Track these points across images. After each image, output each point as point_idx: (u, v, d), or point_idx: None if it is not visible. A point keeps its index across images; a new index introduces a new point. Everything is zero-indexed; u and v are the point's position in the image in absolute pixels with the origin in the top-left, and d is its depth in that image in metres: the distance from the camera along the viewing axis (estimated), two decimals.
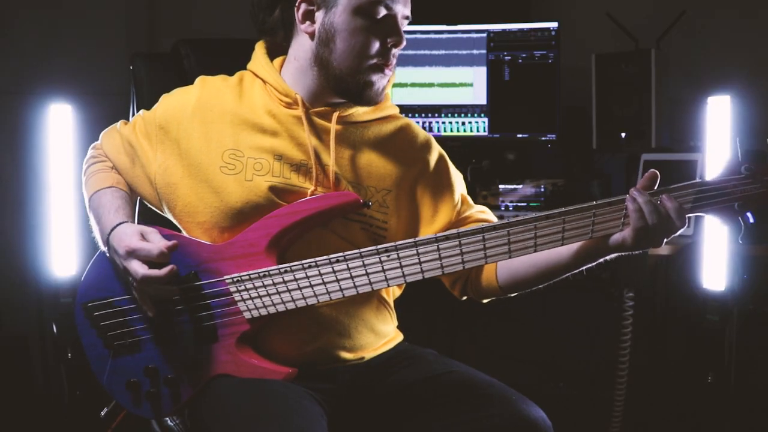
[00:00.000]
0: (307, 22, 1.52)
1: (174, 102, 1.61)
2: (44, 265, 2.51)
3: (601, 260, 1.47)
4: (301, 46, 1.55)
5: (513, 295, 1.58)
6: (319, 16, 1.51)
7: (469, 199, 1.68)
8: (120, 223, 1.52)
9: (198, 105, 1.58)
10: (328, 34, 1.50)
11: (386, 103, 1.63)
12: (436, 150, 1.65)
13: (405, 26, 1.54)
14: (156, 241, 1.48)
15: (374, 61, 1.50)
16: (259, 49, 1.63)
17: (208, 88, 1.61)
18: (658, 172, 1.40)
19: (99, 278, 1.57)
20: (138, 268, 1.45)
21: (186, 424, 1.59)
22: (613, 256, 1.46)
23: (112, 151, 1.64)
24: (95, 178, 1.62)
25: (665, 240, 1.40)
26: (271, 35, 1.62)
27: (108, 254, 1.54)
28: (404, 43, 1.53)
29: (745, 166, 1.34)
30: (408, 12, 1.53)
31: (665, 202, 1.37)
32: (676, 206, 1.37)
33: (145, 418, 1.61)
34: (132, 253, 1.46)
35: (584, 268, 1.49)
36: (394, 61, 1.54)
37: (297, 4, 1.53)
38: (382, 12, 1.48)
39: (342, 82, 1.52)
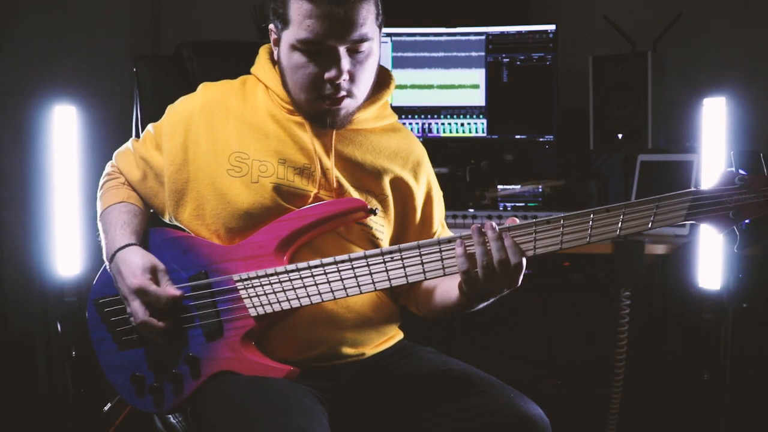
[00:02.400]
0: (276, 48, 1.55)
1: (179, 110, 1.63)
2: (49, 265, 2.52)
3: (477, 307, 1.48)
4: None
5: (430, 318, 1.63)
6: (277, 47, 1.53)
7: (445, 225, 1.73)
8: (128, 245, 1.54)
9: (203, 110, 1.59)
10: (281, 66, 1.53)
11: (386, 111, 1.66)
12: (426, 171, 1.68)
13: (365, 48, 1.47)
14: (164, 285, 1.50)
15: (320, 92, 1.49)
16: (263, 53, 1.64)
17: (211, 93, 1.62)
18: (516, 220, 1.39)
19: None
20: (140, 311, 1.48)
21: (188, 420, 1.60)
22: (482, 305, 1.46)
23: (125, 167, 1.66)
24: (108, 194, 1.64)
25: (506, 287, 1.39)
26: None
27: (110, 270, 1.56)
28: (344, 76, 1.46)
29: (740, 177, 1.35)
30: (355, 36, 1.44)
31: (504, 240, 1.36)
32: (510, 244, 1.35)
33: (147, 414, 1.63)
34: (141, 293, 1.48)
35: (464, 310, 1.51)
36: (342, 93, 1.48)
37: (269, 30, 1.55)
38: (316, 47, 1.45)
39: (303, 111, 1.54)
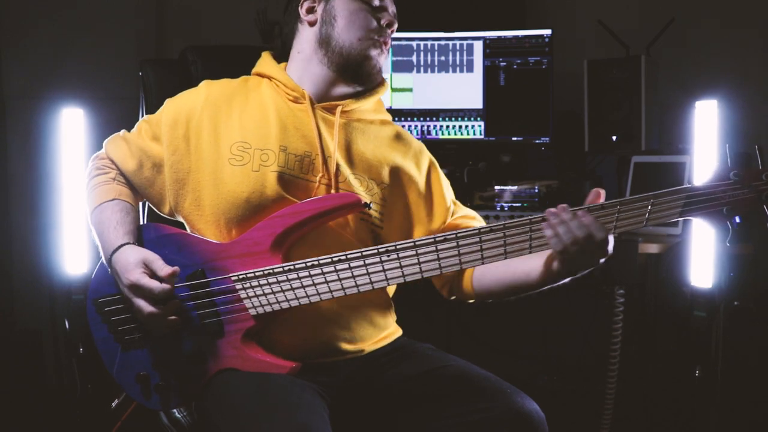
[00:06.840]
0: (310, 15, 1.65)
1: (180, 103, 1.66)
2: (57, 264, 2.53)
3: (561, 282, 1.50)
4: (305, 37, 1.67)
5: (489, 301, 1.66)
6: (320, 8, 1.64)
7: (458, 202, 1.76)
8: (123, 245, 1.53)
9: (206, 103, 1.63)
10: (330, 16, 1.63)
11: (382, 107, 1.73)
12: (427, 157, 1.74)
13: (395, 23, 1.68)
14: (159, 270, 1.49)
15: (373, 36, 1.62)
16: (266, 55, 1.72)
17: (215, 88, 1.67)
18: (602, 192, 1.41)
19: (109, 274, 1.58)
20: (143, 306, 1.48)
21: (193, 415, 1.62)
22: (567, 280, 1.49)
23: (119, 157, 1.67)
24: (97, 191, 1.64)
25: (601, 258, 1.40)
26: (275, 42, 1.73)
27: (110, 272, 1.56)
28: (396, 24, 1.67)
29: (734, 172, 1.35)
30: (394, 9, 1.68)
31: (581, 219, 1.38)
32: (590, 221, 1.37)
33: (153, 410, 1.64)
34: (135, 288, 1.49)
35: (548, 287, 1.53)
36: (389, 40, 1.67)
37: (300, 2, 1.66)
38: (376, 2, 1.64)
39: (342, 57, 1.63)
